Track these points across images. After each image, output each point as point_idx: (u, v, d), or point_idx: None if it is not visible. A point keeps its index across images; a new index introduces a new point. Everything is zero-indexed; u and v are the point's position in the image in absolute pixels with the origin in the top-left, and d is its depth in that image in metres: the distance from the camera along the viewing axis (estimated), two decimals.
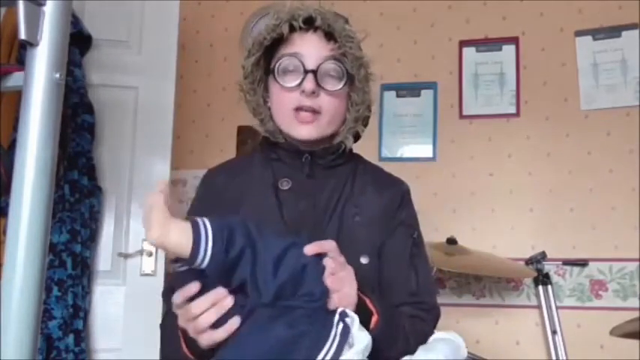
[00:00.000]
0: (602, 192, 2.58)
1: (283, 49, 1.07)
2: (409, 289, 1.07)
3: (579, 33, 2.70)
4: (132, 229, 2.21)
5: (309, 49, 1.05)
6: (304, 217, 1.06)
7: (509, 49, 2.78)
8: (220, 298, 0.84)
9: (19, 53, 1.95)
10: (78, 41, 2.12)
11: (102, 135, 2.21)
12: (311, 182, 1.10)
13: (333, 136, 1.11)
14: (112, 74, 2.25)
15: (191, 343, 0.90)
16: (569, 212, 2.60)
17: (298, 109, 1.06)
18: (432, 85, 2.84)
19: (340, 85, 1.06)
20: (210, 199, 1.12)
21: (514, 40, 2.78)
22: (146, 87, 2.28)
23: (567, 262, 2.55)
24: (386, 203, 1.12)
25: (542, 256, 2.48)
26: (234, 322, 0.84)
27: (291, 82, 1.05)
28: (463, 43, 2.83)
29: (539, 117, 2.70)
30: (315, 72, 1.04)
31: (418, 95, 2.85)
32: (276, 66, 1.06)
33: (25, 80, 0.85)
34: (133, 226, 2.21)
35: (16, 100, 1.82)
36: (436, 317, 1.10)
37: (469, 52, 2.82)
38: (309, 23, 1.06)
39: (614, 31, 2.66)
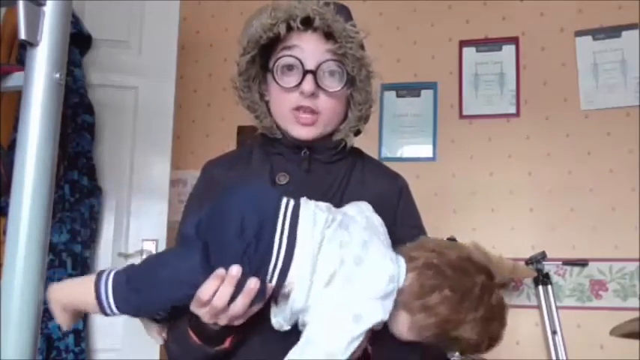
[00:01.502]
0: (602, 192, 2.58)
1: (281, 46, 1.05)
2: None
3: (579, 33, 2.70)
4: (132, 229, 2.20)
5: (308, 48, 1.03)
6: None
7: (509, 49, 2.78)
8: (224, 275, 0.83)
9: (19, 53, 1.95)
10: (78, 41, 2.12)
11: (102, 135, 2.21)
12: (309, 177, 1.08)
13: (332, 132, 1.10)
14: (112, 74, 2.25)
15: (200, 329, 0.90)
16: (569, 212, 2.60)
17: (298, 108, 1.05)
18: (432, 85, 2.84)
19: (340, 86, 1.04)
20: (207, 190, 1.12)
21: (514, 40, 2.78)
22: (146, 87, 2.27)
23: (567, 262, 2.55)
24: (380, 192, 1.10)
25: (542, 256, 2.48)
26: (253, 284, 0.82)
27: (291, 82, 1.03)
28: (463, 43, 2.83)
29: (539, 117, 2.70)
30: (314, 72, 1.02)
31: (418, 95, 2.85)
32: (275, 66, 1.05)
33: (25, 80, 0.85)
34: (132, 226, 2.21)
35: (16, 100, 1.82)
36: None
37: (469, 52, 2.82)
38: (307, 23, 1.02)
39: (614, 31, 2.66)
